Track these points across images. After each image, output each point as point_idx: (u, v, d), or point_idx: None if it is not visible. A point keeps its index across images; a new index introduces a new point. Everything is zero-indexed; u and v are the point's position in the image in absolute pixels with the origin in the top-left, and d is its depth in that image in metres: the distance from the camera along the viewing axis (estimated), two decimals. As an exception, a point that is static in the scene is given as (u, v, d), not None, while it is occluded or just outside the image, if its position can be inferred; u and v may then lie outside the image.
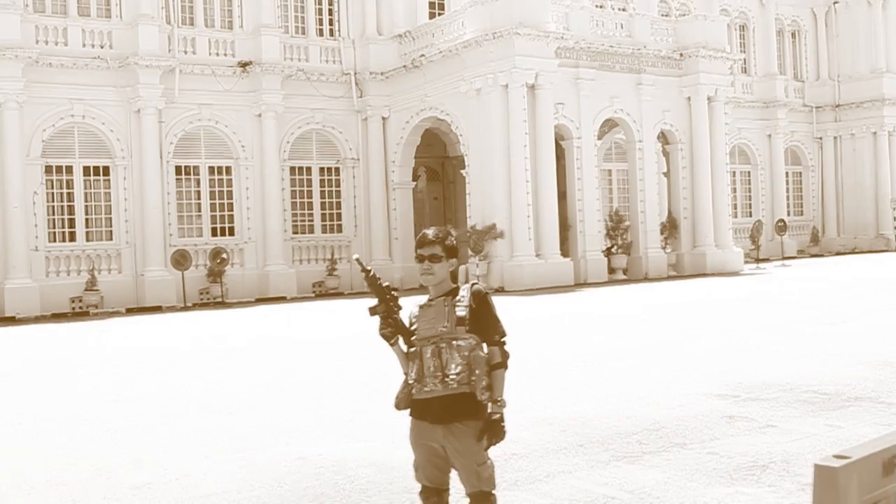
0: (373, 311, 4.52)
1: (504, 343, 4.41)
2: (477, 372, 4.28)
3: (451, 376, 4.29)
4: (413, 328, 4.48)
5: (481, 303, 4.40)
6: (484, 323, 4.38)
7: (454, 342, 4.30)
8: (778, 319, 16.73)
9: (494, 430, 4.26)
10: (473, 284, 4.49)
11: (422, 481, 4.55)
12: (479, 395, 4.28)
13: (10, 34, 25.37)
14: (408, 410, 4.50)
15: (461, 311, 4.35)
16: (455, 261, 4.58)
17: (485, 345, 4.36)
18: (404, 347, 4.51)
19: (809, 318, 16.46)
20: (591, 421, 8.53)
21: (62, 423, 9.77)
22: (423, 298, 4.54)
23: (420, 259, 4.49)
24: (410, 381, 4.39)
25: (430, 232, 4.56)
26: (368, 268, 4.55)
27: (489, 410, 4.27)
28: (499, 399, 4.28)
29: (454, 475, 4.53)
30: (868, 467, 3.98)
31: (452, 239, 4.59)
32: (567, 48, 28.02)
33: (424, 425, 4.42)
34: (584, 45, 28.73)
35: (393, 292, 4.51)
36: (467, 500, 4.49)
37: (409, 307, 4.54)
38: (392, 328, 4.48)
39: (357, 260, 4.80)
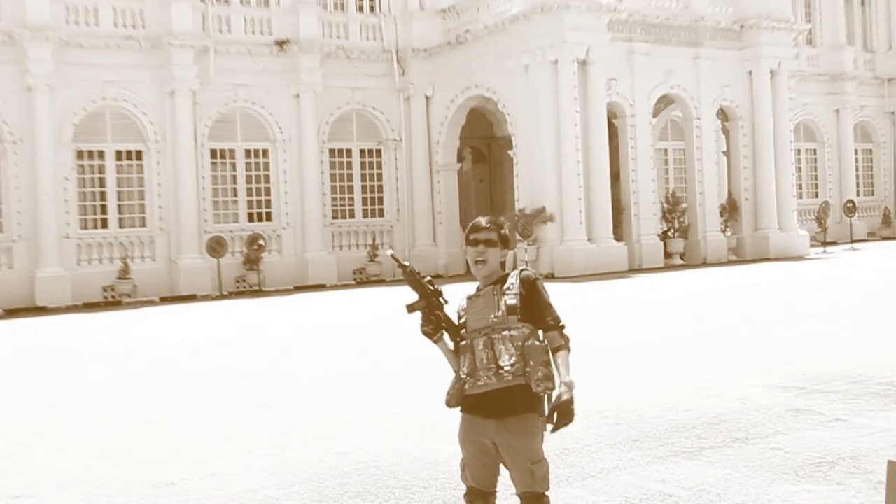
0: (411, 308, 4.50)
1: (563, 327, 4.36)
2: (531, 363, 4.23)
3: (505, 368, 4.24)
4: (461, 321, 4.45)
5: (531, 288, 4.37)
6: (536, 309, 4.34)
7: (507, 332, 4.26)
8: (846, 306, 16.54)
9: (564, 411, 4.14)
10: (522, 270, 4.45)
11: (468, 482, 4.50)
12: (535, 386, 4.23)
13: (39, 15, 25.61)
14: (458, 408, 4.47)
15: (511, 300, 4.31)
16: (507, 251, 4.56)
17: (540, 332, 4.33)
18: (450, 344, 4.48)
19: (880, 305, 16.25)
20: (647, 414, 8.49)
21: (97, 416, 9.89)
22: (470, 288, 4.51)
23: (474, 243, 4.45)
24: (463, 376, 4.36)
25: (485, 219, 4.53)
26: (405, 263, 4.53)
27: (559, 391, 4.19)
28: (567, 380, 4.20)
29: (503, 478, 4.49)
30: (945, 464, 3.90)
31: (506, 228, 4.58)
32: (620, 21, 27.79)
33: (476, 420, 4.38)
34: (638, 18, 28.47)
35: (436, 287, 4.47)
36: (518, 499, 4.44)
37: (455, 299, 4.51)
38: (434, 325, 4.45)
39: (392, 256, 4.82)
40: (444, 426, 8.27)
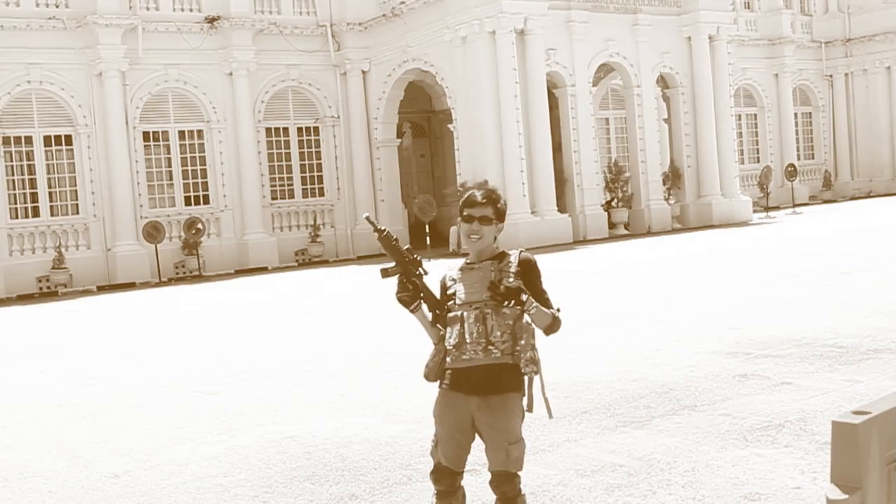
0: (385, 272, 4.45)
1: (558, 310, 4.39)
2: (522, 342, 4.25)
3: (494, 344, 4.24)
4: (450, 292, 4.41)
5: (530, 271, 4.35)
6: (532, 292, 4.32)
7: (500, 308, 4.25)
8: (789, 270, 16.79)
9: (513, 294, 4.20)
10: (521, 251, 4.43)
11: (438, 459, 4.47)
12: (524, 367, 4.25)
13: (-43, -3, 25.15)
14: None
15: (510, 276, 4.27)
16: (503, 225, 4.50)
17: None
18: (428, 314, 4.45)
19: (823, 268, 16.52)
20: (596, 385, 8.57)
21: (34, 409, 9.78)
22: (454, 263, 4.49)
23: (468, 220, 4.37)
24: (449, 347, 4.32)
25: (479, 192, 4.43)
26: (382, 227, 4.44)
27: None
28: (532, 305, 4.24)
29: (472, 455, 4.51)
30: (889, 422, 4.00)
31: (504, 201, 4.52)
32: (557, -11, 27.89)
33: (458, 397, 4.35)
34: (576, -15, 28.60)
35: (415, 256, 4.44)
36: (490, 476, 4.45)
37: (440, 272, 4.51)
38: (410, 293, 4.41)
39: (367, 218, 4.74)
40: (394, 407, 8.32)
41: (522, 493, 4.45)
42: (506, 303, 4.23)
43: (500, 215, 4.45)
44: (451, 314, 4.36)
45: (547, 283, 4.42)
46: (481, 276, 4.33)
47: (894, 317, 10.76)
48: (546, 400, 4.35)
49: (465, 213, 4.40)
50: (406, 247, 4.45)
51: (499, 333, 4.25)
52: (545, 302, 4.36)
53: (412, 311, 4.45)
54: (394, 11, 29.45)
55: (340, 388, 9.50)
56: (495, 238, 4.46)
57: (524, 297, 4.21)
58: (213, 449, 7.51)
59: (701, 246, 23.81)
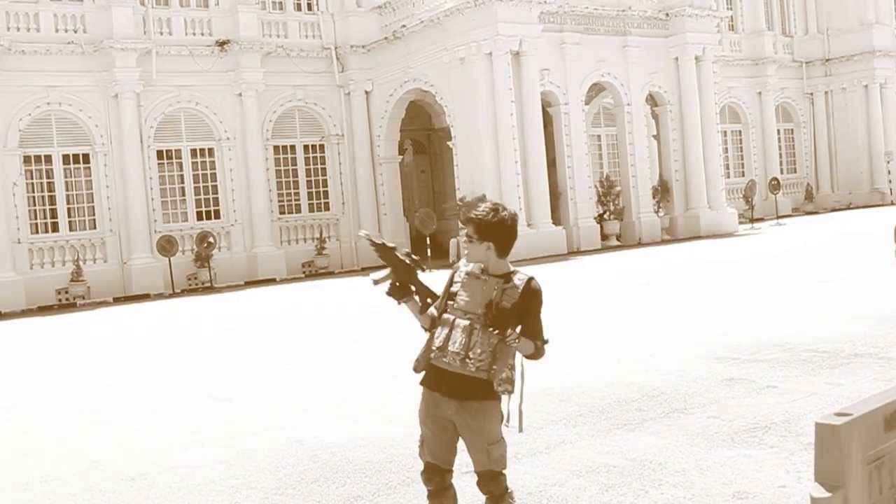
0: (376, 282, 4.45)
1: (545, 342, 4.32)
2: (499, 363, 4.22)
3: (471, 359, 4.22)
4: (453, 289, 4.36)
5: (531, 299, 4.26)
6: (525, 319, 4.25)
7: (488, 328, 4.20)
8: (774, 279, 16.81)
9: (500, 324, 4.18)
10: (531, 279, 4.30)
11: (426, 458, 4.48)
12: (497, 385, 4.22)
13: (-20, 23, 25.22)
14: (419, 390, 4.47)
15: (508, 300, 4.23)
16: (491, 244, 4.28)
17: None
18: (423, 308, 4.43)
19: (806, 277, 16.53)
20: (590, 389, 8.57)
21: (53, 415, 9.77)
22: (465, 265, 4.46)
23: (467, 226, 4.34)
24: (434, 347, 4.33)
25: (479, 208, 4.31)
26: (378, 240, 4.46)
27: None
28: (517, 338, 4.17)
29: (461, 454, 4.51)
30: (870, 424, 4.00)
31: (494, 218, 4.27)
32: (551, 13, 27.91)
33: (437, 397, 4.37)
34: (568, 9, 28.63)
35: (414, 257, 4.41)
36: (475, 477, 4.47)
37: (440, 280, 4.50)
38: (399, 290, 4.39)
39: (366, 236, 4.69)
40: (397, 411, 8.31)
41: (509, 489, 4.45)
42: (493, 330, 4.19)
43: (483, 234, 4.27)
44: (445, 315, 4.36)
45: (543, 294, 4.38)
46: (484, 290, 4.29)
47: (874, 323, 10.76)
48: (521, 413, 4.32)
49: (465, 218, 4.40)
50: (405, 250, 4.45)
51: (479, 351, 4.22)
52: (537, 330, 4.29)
53: (399, 303, 4.45)
54: (395, 34, 29.52)
55: (345, 394, 9.50)
56: (498, 256, 4.34)
57: (509, 331, 4.15)
58: (224, 453, 7.50)
59: (689, 256, 23.81)
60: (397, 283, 4.40)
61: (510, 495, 4.44)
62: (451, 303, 4.36)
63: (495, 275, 4.31)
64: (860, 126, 42.78)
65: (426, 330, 4.44)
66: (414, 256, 4.43)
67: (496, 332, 4.17)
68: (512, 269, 4.36)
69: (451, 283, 4.41)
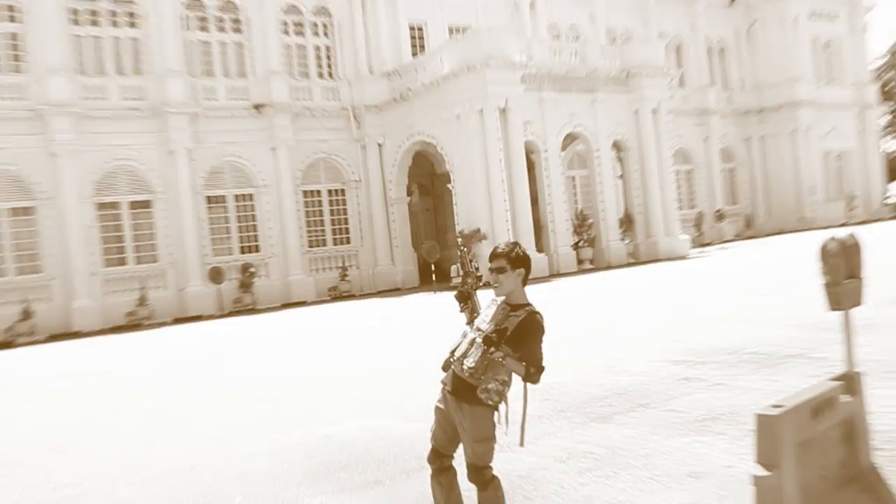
0: (454, 288, 4.63)
1: (539, 370, 4.24)
2: (489, 374, 4.20)
3: (466, 366, 4.27)
4: (481, 312, 4.42)
5: (524, 330, 4.21)
6: (522, 345, 4.19)
7: (487, 344, 4.17)
8: (721, 293, 16.81)
9: (488, 342, 4.15)
10: (534, 313, 4.27)
11: (433, 442, 4.53)
12: (480, 392, 4.20)
13: (59, 93, 25.35)
14: (429, 394, 4.54)
15: (508, 325, 4.22)
16: (522, 270, 4.30)
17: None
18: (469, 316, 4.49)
19: (747, 291, 16.55)
20: (569, 389, 8.59)
21: (132, 417, 9.79)
22: (425, 298, 4.61)
23: (491, 271, 4.30)
24: (449, 352, 4.42)
25: (500, 245, 4.35)
26: (464, 248, 4.65)
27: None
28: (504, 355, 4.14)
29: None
30: (800, 413, 4.05)
31: (520, 251, 4.34)
32: (531, 75, 28.04)
33: (446, 394, 4.44)
34: (545, 72, 28.76)
35: (476, 267, 4.54)
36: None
37: (443, 301, 4.61)
38: (466, 297, 4.46)
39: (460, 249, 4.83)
40: (410, 410, 8.33)
41: (495, 477, 4.44)
42: (484, 346, 4.20)
43: (515, 263, 4.28)
44: (467, 328, 4.42)
45: (544, 327, 4.34)
46: (495, 316, 4.30)
47: (802, 329, 10.78)
48: (522, 430, 4.31)
49: (490, 266, 4.33)
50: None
51: (472, 360, 4.24)
52: (532, 357, 4.21)
53: (461, 310, 4.50)
54: (402, 96, 29.66)
55: (366, 396, 9.51)
56: (522, 284, 4.35)
57: (492, 349, 4.13)
58: (266, 446, 7.53)
59: (650, 276, 23.82)
60: (462, 291, 4.48)
61: (495, 484, 4.43)
62: (475, 319, 4.39)
63: (513, 304, 4.30)
64: (788, 165, 42.91)
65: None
66: (476, 268, 4.55)
67: (490, 350, 4.16)
68: (527, 302, 4.34)
69: (479, 308, 4.47)
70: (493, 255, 4.30)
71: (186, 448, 7.80)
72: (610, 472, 5.77)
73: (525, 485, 5.66)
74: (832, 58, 45.62)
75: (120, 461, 7.55)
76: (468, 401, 4.29)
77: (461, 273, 4.53)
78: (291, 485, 6.26)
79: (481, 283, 4.48)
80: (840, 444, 4.46)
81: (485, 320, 4.31)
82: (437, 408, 4.51)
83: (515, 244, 4.38)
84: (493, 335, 4.16)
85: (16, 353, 20.89)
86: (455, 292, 4.48)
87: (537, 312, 4.29)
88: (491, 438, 4.36)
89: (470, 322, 4.44)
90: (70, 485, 6.92)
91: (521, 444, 4.35)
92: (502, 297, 4.34)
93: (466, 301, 4.47)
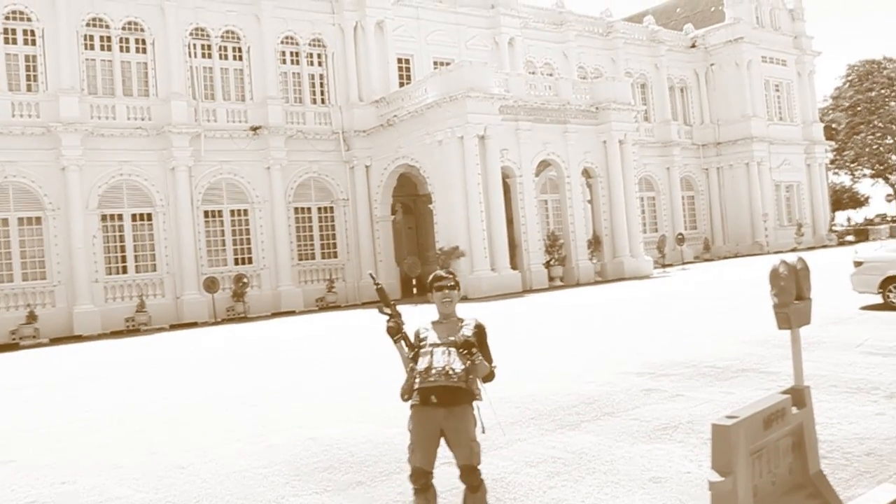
0: (381, 311, 4.60)
1: (494, 367, 4.48)
2: (471, 376, 4.35)
3: (454, 373, 4.31)
4: (422, 337, 4.49)
5: (482, 334, 4.48)
6: (481, 348, 4.44)
7: (460, 350, 4.37)
8: (681, 311, 16.86)
9: (469, 345, 4.40)
10: (477, 320, 4.54)
11: (416, 463, 4.44)
12: (474, 389, 4.38)
13: (70, 112, 25.21)
14: (407, 403, 4.47)
15: (468, 332, 4.44)
16: (460, 292, 4.68)
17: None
18: (405, 349, 4.51)
19: (704, 308, 16.61)
20: (539, 398, 8.55)
21: (123, 418, 9.65)
22: (407, 308, 4.66)
23: (440, 289, 4.54)
24: (420, 370, 4.36)
25: (443, 271, 4.66)
26: (379, 283, 4.76)
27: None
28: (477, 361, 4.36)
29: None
30: (753, 424, 4.04)
31: (457, 277, 4.75)
32: (508, 106, 28.16)
33: (427, 410, 4.37)
34: (521, 104, 28.88)
35: (396, 308, 4.61)
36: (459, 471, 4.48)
37: (409, 319, 4.63)
38: (396, 328, 4.52)
39: (371, 275, 5.01)
40: (390, 416, 8.26)
41: (483, 481, 4.48)
42: (463, 350, 4.36)
43: (457, 285, 4.64)
44: (423, 349, 4.45)
45: (503, 322, 4.50)
46: (448, 328, 4.49)
47: (756, 345, 10.82)
48: (481, 419, 4.46)
49: (436, 286, 4.57)
50: (393, 300, 4.63)
51: (458, 367, 4.33)
52: (489, 357, 4.48)
53: (395, 342, 4.54)
54: (389, 122, 29.68)
55: (349, 402, 9.44)
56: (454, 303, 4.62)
57: (474, 350, 4.38)
58: (254, 447, 7.43)
59: (616, 294, 23.86)
60: (392, 325, 4.53)
61: (484, 486, 4.49)
62: (423, 343, 4.47)
63: (455, 318, 4.55)
64: (743, 194, 43.31)
65: (407, 372, 4.49)
66: (396, 308, 4.61)
67: (466, 352, 4.35)
68: (461, 316, 4.61)
69: (417, 336, 4.55)
70: (442, 279, 4.57)
71: (176, 449, 7.68)
72: (577, 476, 5.73)
73: (497, 487, 5.61)
74: (783, 98, 46.24)
75: (114, 461, 7.42)
76: (458, 402, 4.35)
77: (388, 311, 4.57)
78: (278, 484, 6.18)
79: (402, 322, 4.59)
80: (790, 452, 4.45)
81: (436, 335, 4.45)
82: (419, 430, 4.43)
83: (451, 272, 4.69)
84: (467, 344, 4.37)
85: (20, 354, 20.61)
86: (387, 328, 4.54)
87: (479, 321, 4.56)
88: (476, 437, 4.43)
89: (411, 347, 4.50)
90: (66, 482, 6.79)
91: (483, 430, 4.48)
92: (433, 320, 4.57)
93: (399, 332, 4.54)
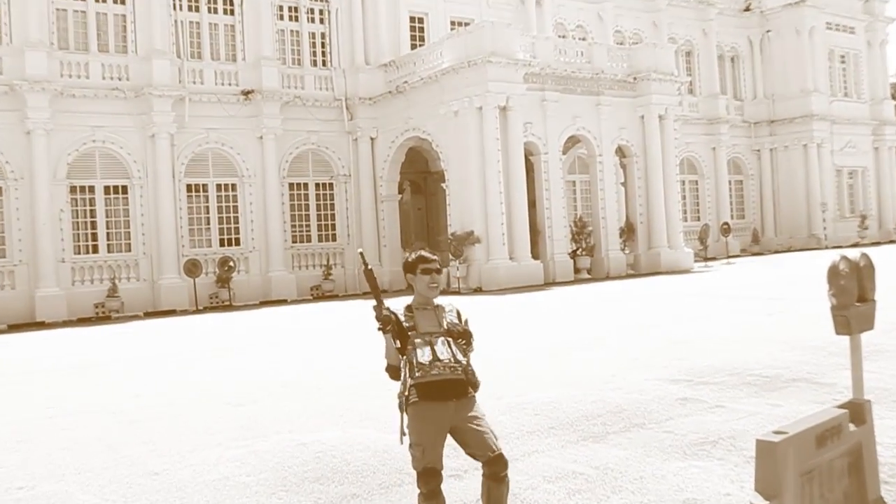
0: (377, 312, 4.60)
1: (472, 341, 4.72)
2: (470, 367, 4.57)
3: (458, 364, 4.48)
4: (407, 325, 4.57)
5: (459, 317, 4.72)
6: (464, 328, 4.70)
7: (457, 340, 4.56)
8: (724, 310, 16.80)
9: (467, 335, 4.68)
10: (451, 304, 4.79)
11: (427, 464, 4.45)
12: (472, 378, 4.54)
13: (37, 69, 25.28)
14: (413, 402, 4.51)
15: (453, 318, 4.67)
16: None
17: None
18: (395, 342, 4.55)
19: (751, 310, 16.54)
20: (561, 405, 8.53)
21: (91, 416, 9.69)
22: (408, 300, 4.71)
23: (428, 272, 4.66)
24: (423, 363, 4.41)
25: (429, 253, 4.77)
26: (369, 264, 4.73)
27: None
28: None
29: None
30: (803, 441, 4.00)
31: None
32: (534, 74, 28.07)
33: (435, 406, 4.43)
34: (549, 71, 28.79)
35: (381, 293, 4.66)
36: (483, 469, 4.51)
37: (396, 307, 4.66)
38: (385, 317, 4.54)
39: (360, 253, 4.99)
40: (391, 419, 8.25)
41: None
42: (461, 340, 4.58)
43: (441, 269, 4.85)
44: (417, 339, 4.51)
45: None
46: (433, 315, 4.64)
47: (809, 351, 10.76)
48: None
49: (423, 268, 4.67)
50: (397, 290, 4.68)
51: (461, 356, 4.51)
52: (469, 334, 4.71)
53: (384, 333, 4.56)
54: (398, 89, 29.65)
55: (345, 403, 9.44)
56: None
57: (471, 340, 4.65)
58: (237, 452, 7.44)
59: (651, 289, 23.80)
60: (386, 314, 4.55)
61: (508, 476, 4.57)
62: (412, 333, 4.54)
63: (432, 306, 4.70)
64: (799, 179, 43.07)
65: (389, 363, 4.58)
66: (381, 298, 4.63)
67: (463, 342, 4.58)
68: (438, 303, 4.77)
69: (399, 322, 4.61)
70: (429, 261, 4.68)
71: (149, 453, 7.70)
72: (601, 495, 5.72)
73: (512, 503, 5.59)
74: (849, 71, 45.86)
75: (77, 465, 7.45)
76: (468, 393, 4.54)
77: (375, 301, 4.59)
78: (263, 495, 6.18)
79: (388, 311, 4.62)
80: (846, 475, 4.41)
81: (426, 324, 4.57)
82: (428, 427, 4.45)
83: (434, 252, 4.93)
84: (461, 332, 4.62)
85: (-23, 340, 20.74)
86: (380, 322, 4.55)
87: (458, 307, 4.82)
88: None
89: (405, 339, 4.54)
90: (24, 487, 6.83)
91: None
92: (405, 305, 4.70)
93: (389, 323, 4.55)
